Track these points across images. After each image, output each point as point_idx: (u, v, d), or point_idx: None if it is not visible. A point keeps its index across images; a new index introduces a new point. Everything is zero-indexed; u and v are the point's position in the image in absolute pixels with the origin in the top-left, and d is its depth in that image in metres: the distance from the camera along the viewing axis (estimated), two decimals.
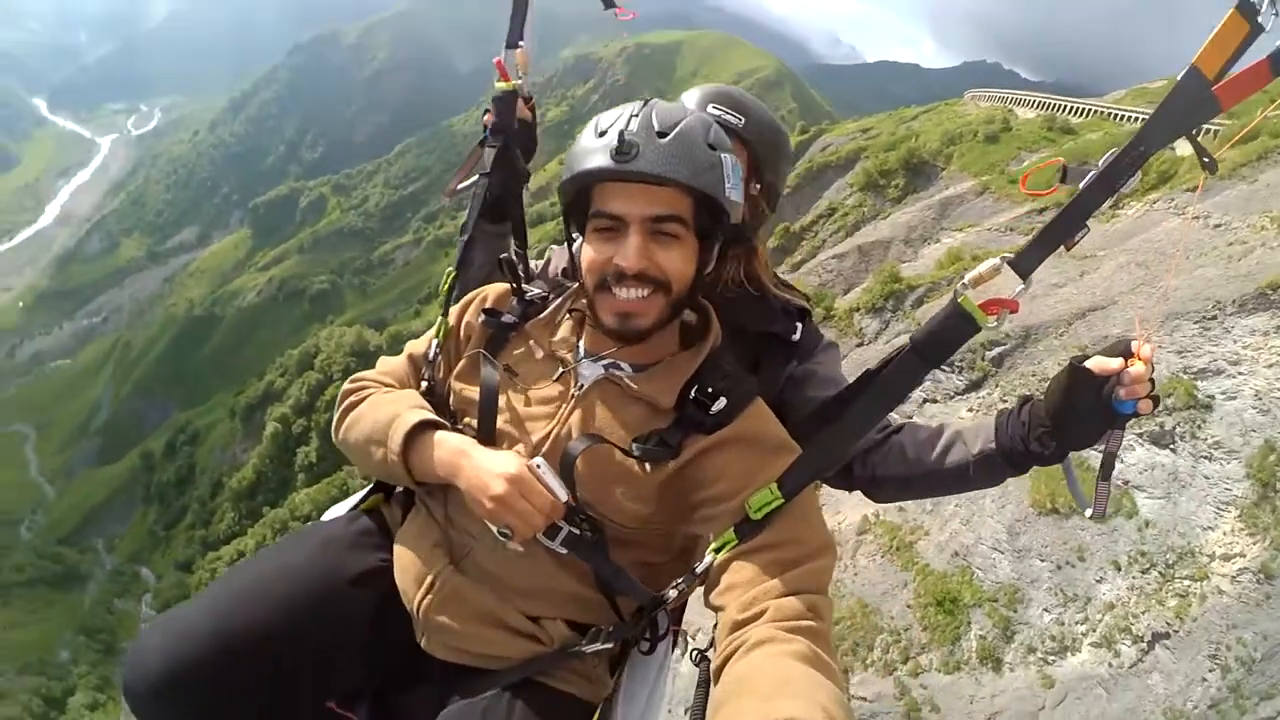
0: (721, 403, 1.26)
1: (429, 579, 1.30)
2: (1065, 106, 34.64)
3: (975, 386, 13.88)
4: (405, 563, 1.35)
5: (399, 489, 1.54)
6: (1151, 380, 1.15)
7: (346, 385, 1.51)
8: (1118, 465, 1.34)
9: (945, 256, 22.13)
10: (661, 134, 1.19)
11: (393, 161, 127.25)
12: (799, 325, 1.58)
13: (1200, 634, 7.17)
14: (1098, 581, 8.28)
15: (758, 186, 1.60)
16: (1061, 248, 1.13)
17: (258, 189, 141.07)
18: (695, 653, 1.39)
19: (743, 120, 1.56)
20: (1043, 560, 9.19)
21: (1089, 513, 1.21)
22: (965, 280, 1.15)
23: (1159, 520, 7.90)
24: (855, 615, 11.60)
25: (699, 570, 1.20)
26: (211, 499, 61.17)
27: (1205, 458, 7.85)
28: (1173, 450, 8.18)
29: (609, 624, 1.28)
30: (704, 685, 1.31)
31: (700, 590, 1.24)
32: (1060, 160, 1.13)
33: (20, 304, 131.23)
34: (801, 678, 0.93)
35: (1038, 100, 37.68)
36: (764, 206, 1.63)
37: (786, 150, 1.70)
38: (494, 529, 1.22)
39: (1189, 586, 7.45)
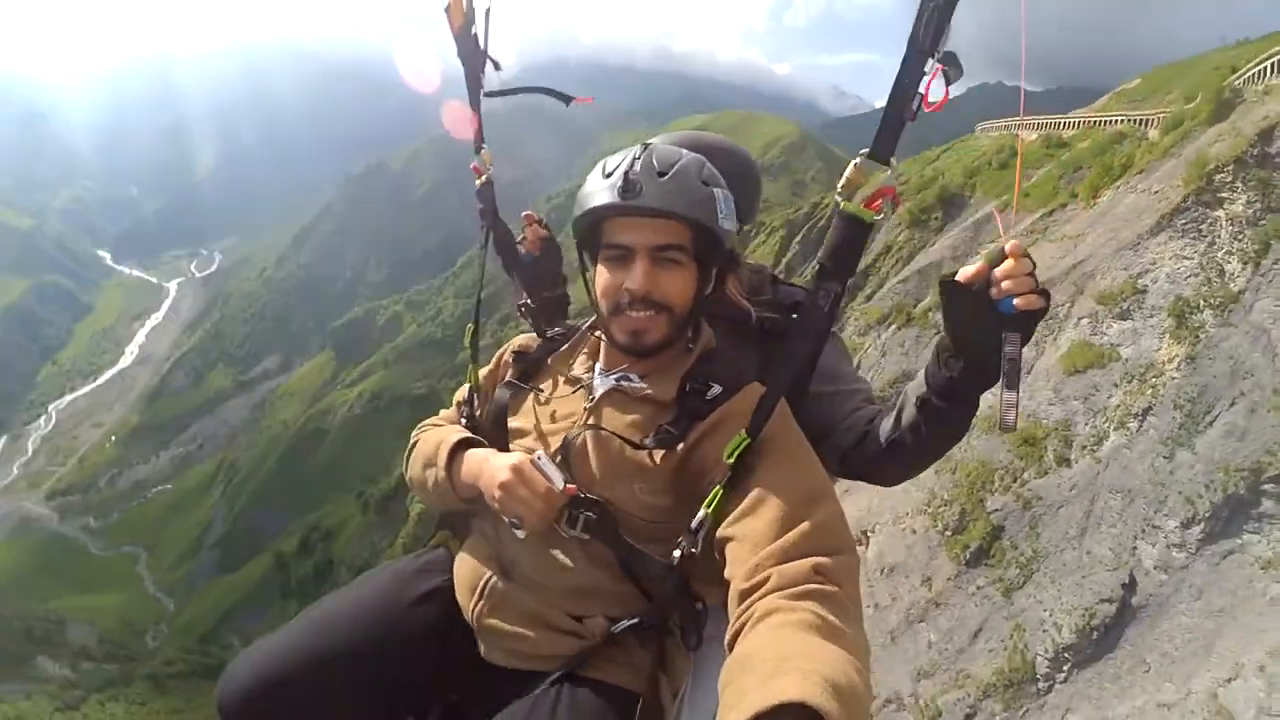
0: (717, 389, 1.36)
1: (480, 587, 1.40)
2: (1059, 124, 39.19)
3: None
4: (462, 577, 1.47)
5: (459, 529, 1.64)
6: (1032, 276, 1.11)
7: (413, 433, 1.68)
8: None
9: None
10: (661, 173, 1.30)
11: (459, 274, 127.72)
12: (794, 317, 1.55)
13: (1167, 399, 12.60)
14: (1109, 398, 14.46)
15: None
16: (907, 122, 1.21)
17: (332, 314, 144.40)
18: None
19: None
20: (1077, 400, 14.50)
21: (999, 426, 1.16)
22: (837, 191, 1.26)
23: (1131, 356, 14.02)
24: (978, 470, 16.46)
25: (694, 526, 1.25)
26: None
27: (1149, 316, 14.19)
28: (1130, 319, 14.59)
29: (642, 610, 1.33)
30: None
31: None
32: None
33: (113, 438, 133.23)
34: (803, 650, 0.90)
35: (1036, 122, 41.52)
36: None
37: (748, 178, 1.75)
38: (507, 521, 1.32)
39: (1154, 380, 13.60)
